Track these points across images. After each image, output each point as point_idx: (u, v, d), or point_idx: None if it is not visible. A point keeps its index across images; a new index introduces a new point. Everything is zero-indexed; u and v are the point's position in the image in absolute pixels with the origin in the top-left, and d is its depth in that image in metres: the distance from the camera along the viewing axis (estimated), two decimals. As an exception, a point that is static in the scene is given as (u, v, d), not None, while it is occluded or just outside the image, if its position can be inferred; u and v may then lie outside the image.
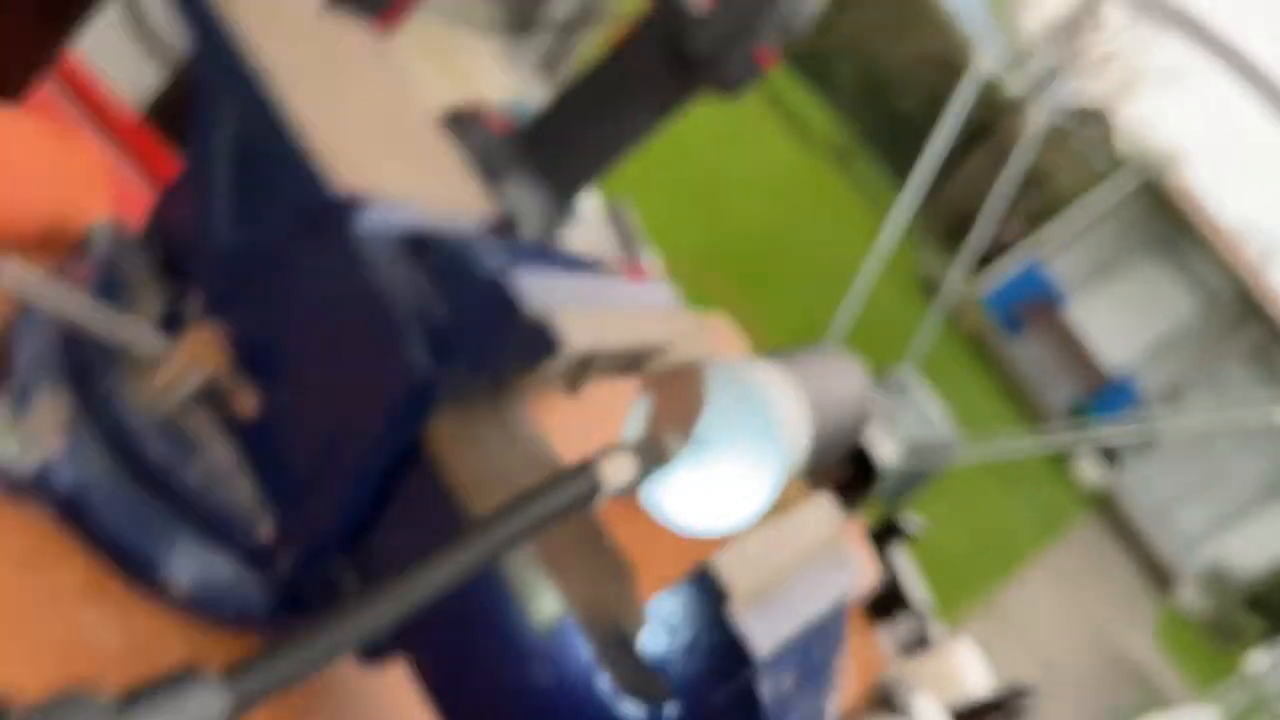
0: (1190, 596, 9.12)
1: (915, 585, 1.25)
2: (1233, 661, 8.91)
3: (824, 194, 8.72)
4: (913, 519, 1.30)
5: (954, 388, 7.40)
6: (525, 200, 0.95)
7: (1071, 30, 12.31)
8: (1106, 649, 5.68)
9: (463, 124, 0.98)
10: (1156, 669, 6.28)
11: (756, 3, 0.88)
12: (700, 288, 4.30)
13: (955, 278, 10.34)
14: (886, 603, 1.21)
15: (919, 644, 1.22)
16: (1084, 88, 13.43)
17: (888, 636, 1.22)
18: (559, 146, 1.00)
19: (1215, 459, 9.93)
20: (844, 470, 1.08)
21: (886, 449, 0.99)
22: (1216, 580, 9.22)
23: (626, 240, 2.20)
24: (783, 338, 4.52)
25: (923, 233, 13.27)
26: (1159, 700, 5.48)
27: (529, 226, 0.96)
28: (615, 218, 2.21)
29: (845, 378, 0.49)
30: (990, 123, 12.70)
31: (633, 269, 2.10)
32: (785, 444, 0.38)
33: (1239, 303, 9.92)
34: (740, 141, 7.06)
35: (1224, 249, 10.51)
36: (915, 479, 3.81)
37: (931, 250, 11.01)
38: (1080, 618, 5.77)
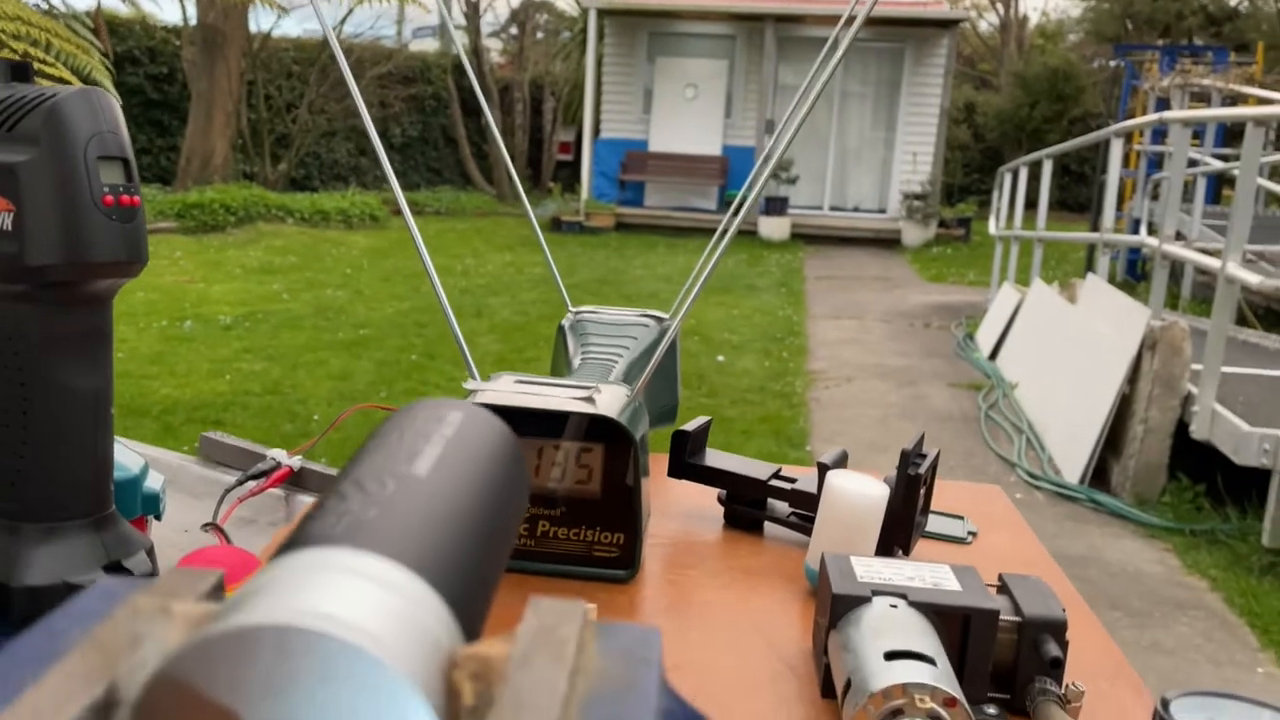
0: (909, 235, 10.49)
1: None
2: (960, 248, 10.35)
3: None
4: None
5: (652, 259, 7.99)
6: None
7: None
8: (897, 302, 6.54)
9: None
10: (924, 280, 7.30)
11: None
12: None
13: (567, 203, 11.01)
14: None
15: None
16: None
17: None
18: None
19: (823, 137, 11.32)
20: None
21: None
22: (909, 205, 10.62)
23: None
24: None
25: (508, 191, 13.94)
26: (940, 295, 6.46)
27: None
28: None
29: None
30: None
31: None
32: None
33: (740, 42, 11.21)
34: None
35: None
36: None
37: (533, 197, 11.62)
38: (864, 299, 6.57)
